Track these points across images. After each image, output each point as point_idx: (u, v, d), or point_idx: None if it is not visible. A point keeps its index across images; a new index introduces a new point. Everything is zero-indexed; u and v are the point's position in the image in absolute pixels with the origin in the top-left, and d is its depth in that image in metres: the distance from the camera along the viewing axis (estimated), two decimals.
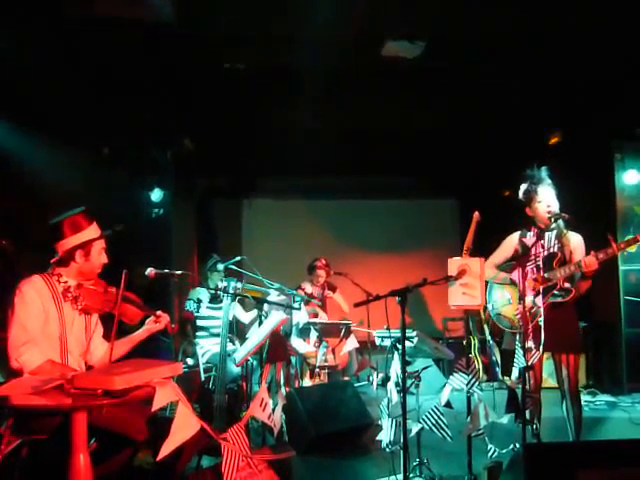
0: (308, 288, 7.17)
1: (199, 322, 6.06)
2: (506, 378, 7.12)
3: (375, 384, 7.17)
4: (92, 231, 3.34)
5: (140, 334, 3.46)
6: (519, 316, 3.91)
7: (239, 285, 5.30)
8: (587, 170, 6.97)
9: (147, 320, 3.47)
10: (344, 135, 7.53)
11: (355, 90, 6.41)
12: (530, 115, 6.88)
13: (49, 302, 3.18)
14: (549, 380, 7.16)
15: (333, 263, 7.40)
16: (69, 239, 3.26)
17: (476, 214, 4.26)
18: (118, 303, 3.20)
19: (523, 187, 4.32)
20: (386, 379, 5.88)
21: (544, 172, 4.27)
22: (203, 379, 5.77)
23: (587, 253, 4.08)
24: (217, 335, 5.70)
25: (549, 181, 4.26)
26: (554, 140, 7.62)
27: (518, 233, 4.38)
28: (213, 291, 5.92)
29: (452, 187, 9.80)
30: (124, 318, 3.31)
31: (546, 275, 4.08)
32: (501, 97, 6.53)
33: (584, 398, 6.60)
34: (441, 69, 5.95)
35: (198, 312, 5.78)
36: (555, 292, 4.07)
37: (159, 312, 3.46)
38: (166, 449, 2.60)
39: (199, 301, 5.86)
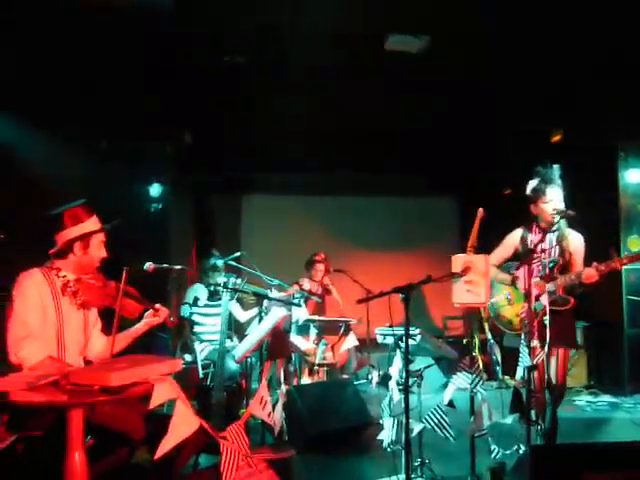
0: (306, 285, 7.09)
1: (197, 318, 5.99)
2: (506, 377, 7.08)
3: (374, 382, 7.12)
4: (92, 224, 3.32)
5: (139, 328, 3.43)
6: (524, 314, 3.84)
7: (239, 281, 5.24)
8: (591, 168, 6.90)
9: (146, 314, 3.43)
10: (344, 132, 7.45)
11: (355, 87, 6.33)
12: (533, 112, 6.81)
13: (47, 297, 3.14)
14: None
15: (331, 260, 7.34)
16: (69, 230, 3.24)
17: (480, 210, 4.19)
18: (119, 298, 3.16)
19: (532, 184, 4.21)
20: (385, 377, 5.83)
21: (556, 171, 4.16)
22: (201, 376, 5.70)
23: (587, 254, 4.02)
24: (215, 332, 5.65)
25: (559, 182, 4.14)
26: (556, 138, 7.56)
27: (520, 232, 4.30)
28: (212, 287, 5.85)
29: (452, 185, 9.73)
30: (124, 312, 3.27)
31: (548, 286, 4.00)
32: (504, 94, 6.46)
33: (585, 398, 6.59)
34: (441, 65, 5.87)
35: (191, 317, 5.73)
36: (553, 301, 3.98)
37: (158, 305, 3.43)
38: (164, 447, 2.53)
39: (196, 300, 5.80)
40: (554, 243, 4.11)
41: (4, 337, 3.06)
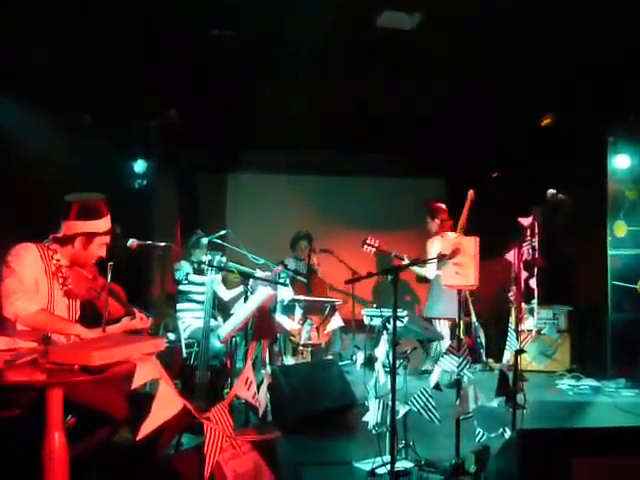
0: (291, 264, 7.05)
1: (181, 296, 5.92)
2: (490, 360, 7.11)
3: (359, 363, 7.10)
4: (103, 223, 3.22)
5: (115, 328, 3.31)
6: (513, 297, 3.82)
7: (224, 259, 5.18)
8: (579, 152, 6.89)
9: (125, 317, 3.32)
10: (331, 111, 7.35)
11: (342, 66, 6.24)
12: (524, 95, 6.75)
13: (41, 274, 3.10)
14: (533, 363, 7.17)
15: (317, 239, 7.30)
16: (76, 223, 3.15)
17: (471, 192, 4.18)
18: (104, 295, 3.12)
19: None
20: (370, 359, 5.80)
21: None
22: (185, 355, 5.65)
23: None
24: (199, 310, 5.59)
25: None
26: (546, 122, 7.52)
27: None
28: (196, 265, 5.79)
29: (439, 165, 9.65)
30: (103, 311, 3.19)
31: None
32: (494, 76, 6.39)
33: (568, 382, 6.62)
34: (433, 44, 5.78)
35: (186, 282, 5.66)
36: None
37: (142, 315, 3.34)
38: (146, 428, 2.47)
39: (187, 275, 5.76)
40: None
41: None
